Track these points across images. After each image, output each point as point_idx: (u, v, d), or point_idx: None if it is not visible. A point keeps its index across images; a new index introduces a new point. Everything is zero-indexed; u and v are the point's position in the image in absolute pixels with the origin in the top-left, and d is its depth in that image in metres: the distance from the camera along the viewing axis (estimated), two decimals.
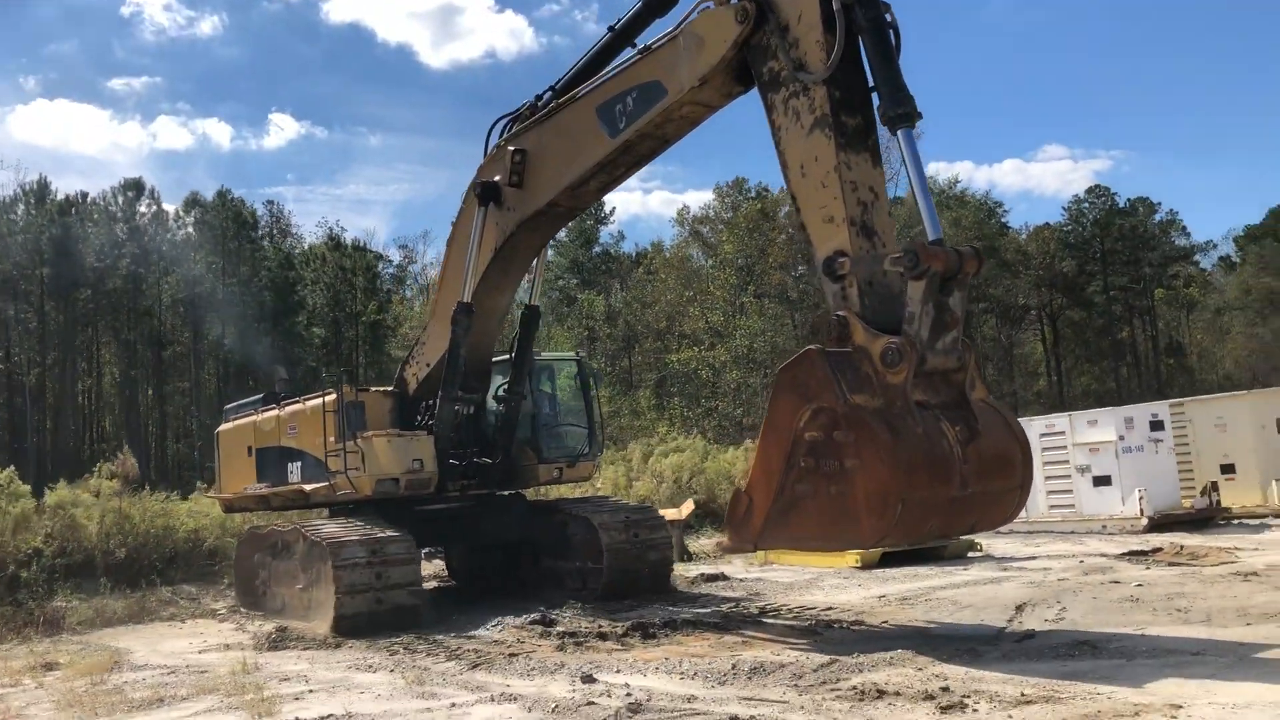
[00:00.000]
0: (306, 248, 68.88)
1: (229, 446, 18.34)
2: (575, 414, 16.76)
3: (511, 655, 10.31)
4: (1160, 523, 18.68)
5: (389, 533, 13.71)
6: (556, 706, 7.75)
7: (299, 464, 16.23)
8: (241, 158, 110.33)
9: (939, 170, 77.51)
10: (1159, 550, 15.29)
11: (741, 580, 15.74)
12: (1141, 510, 18.84)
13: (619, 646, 10.53)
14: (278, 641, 12.45)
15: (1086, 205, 79.27)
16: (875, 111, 9.80)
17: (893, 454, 8.46)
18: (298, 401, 16.86)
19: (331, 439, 15.22)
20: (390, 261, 75.30)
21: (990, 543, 17.32)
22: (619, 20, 13.25)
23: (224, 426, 18.85)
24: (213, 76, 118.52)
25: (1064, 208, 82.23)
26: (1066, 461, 20.29)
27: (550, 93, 13.94)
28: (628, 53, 12.65)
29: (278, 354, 49.99)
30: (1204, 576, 12.80)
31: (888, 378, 8.75)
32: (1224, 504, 19.64)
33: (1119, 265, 77.63)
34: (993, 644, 9.35)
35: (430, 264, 75.69)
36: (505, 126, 14.60)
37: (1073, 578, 13.51)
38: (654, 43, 11.77)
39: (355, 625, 12.76)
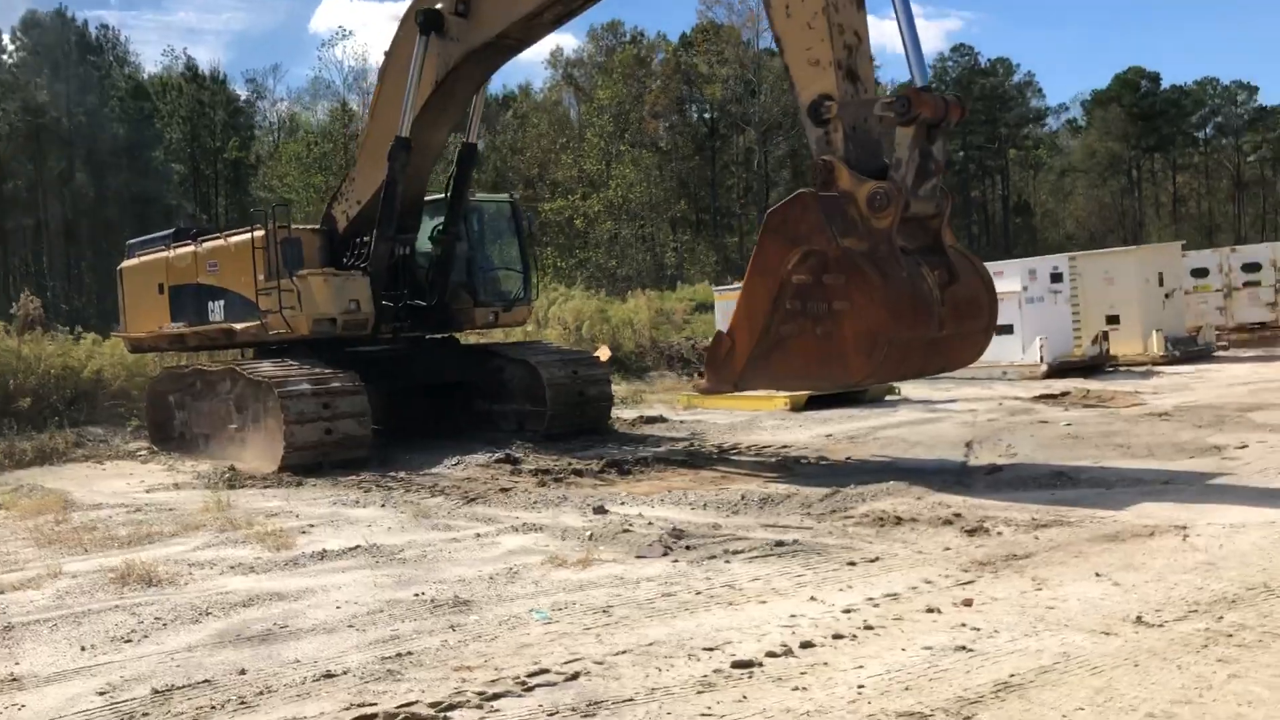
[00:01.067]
0: (156, 77, 64.58)
1: (136, 284, 17.49)
2: (509, 257, 16.55)
3: (503, 490, 10.35)
4: (1057, 369, 19.75)
5: (331, 369, 13.57)
6: (591, 534, 7.90)
7: (220, 302, 15.70)
8: None
9: None
10: (1067, 394, 16.22)
11: (681, 422, 16.09)
12: (1041, 357, 19.84)
13: (600, 482, 10.65)
14: (232, 480, 12.21)
15: (950, 64, 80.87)
16: None
17: (882, 296, 8.67)
18: (218, 237, 16.19)
19: (262, 277, 14.74)
20: (238, 96, 71.39)
21: (905, 387, 18.09)
22: None
23: (128, 263, 17.92)
24: None
25: (930, 65, 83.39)
26: None
27: None
28: None
29: (132, 190, 47.31)
30: (1124, 417, 13.63)
31: (873, 222, 8.89)
32: (1111, 352, 20.94)
33: (977, 124, 79.75)
34: (969, 476, 9.84)
35: (281, 100, 72.31)
36: None
37: (1001, 418, 14.21)
38: None
39: (304, 458, 12.62)
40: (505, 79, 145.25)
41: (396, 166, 14.06)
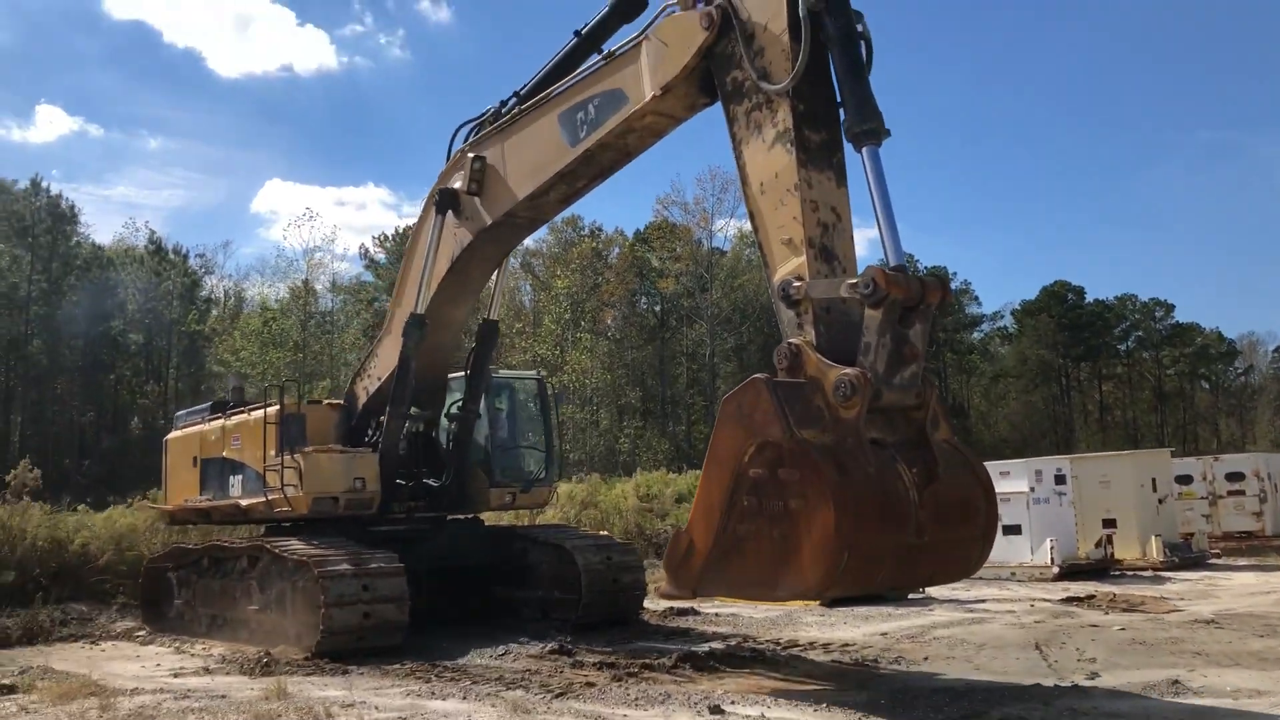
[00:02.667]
0: (118, 247, 63.94)
1: (176, 456, 17.17)
2: (532, 436, 16.11)
3: (588, 684, 9.65)
4: (1067, 571, 19.58)
5: (372, 551, 12.94)
6: None
7: (240, 477, 15.21)
8: (5, 148, 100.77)
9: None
10: (1093, 597, 15.97)
11: (715, 615, 15.42)
12: (1052, 559, 19.69)
13: (678, 678, 9.98)
14: (269, 666, 11.36)
15: None
16: (842, 128, 9.04)
17: (840, 494, 7.69)
18: (243, 411, 15.70)
19: (271, 452, 14.21)
20: (195, 270, 70.91)
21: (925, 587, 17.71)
22: (585, 24, 12.79)
23: (173, 434, 17.69)
24: None
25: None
26: None
27: (515, 98, 13.38)
28: (594, 59, 12.26)
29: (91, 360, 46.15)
30: (1171, 623, 13.38)
31: (840, 412, 8.08)
32: (1115, 555, 20.84)
33: None
34: (1077, 693, 9.19)
35: (228, 276, 72.03)
36: (469, 133, 14.05)
37: (1047, 620, 13.87)
38: (618, 48, 11.21)
39: (339, 643, 11.94)
40: None
41: (410, 343, 13.92)
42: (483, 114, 13.78)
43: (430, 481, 14.95)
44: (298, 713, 8.56)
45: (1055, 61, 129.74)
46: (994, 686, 9.35)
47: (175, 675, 11.47)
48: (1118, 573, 20.45)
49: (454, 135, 14.09)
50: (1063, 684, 9.40)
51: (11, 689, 10.47)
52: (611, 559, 14.32)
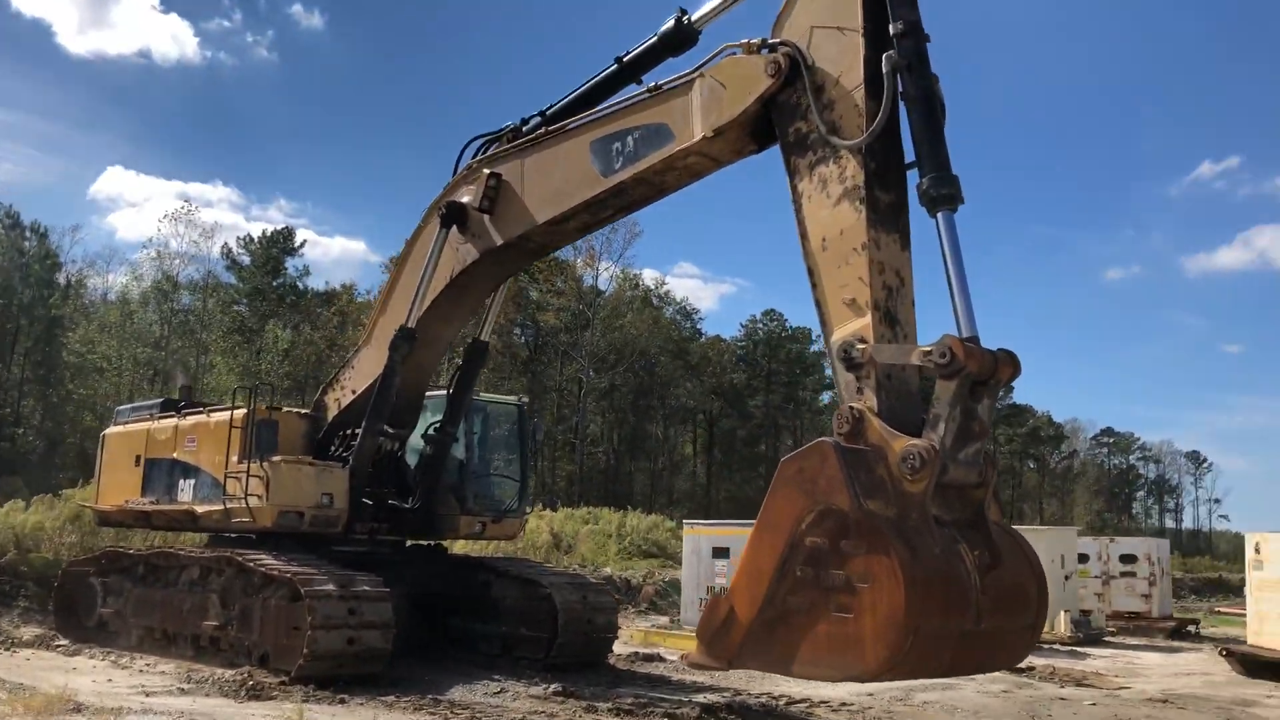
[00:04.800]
0: None
1: (115, 452, 16.06)
2: (508, 465, 15.60)
3: None
4: None
5: (352, 572, 12.24)
6: None
7: (192, 482, 14.23)
8: None
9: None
10: (1033, 669, 16.34)
11: (675, 663, 15.14)
12: None
13: None
14: (256, 690, 10.59)
15: (760, 326, 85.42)
16: (906, 190, 8.88)
17: (910, 573, 7.30)
18: (201, 412, 14.74)
19: (234, 459, 13.39)
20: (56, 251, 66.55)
21: None
22: (628, 52, 12.33)
23: (112, 430, 16.49)
24: None
25: (741, 325, 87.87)
26: None
27: (539, 118, 13.03)
28: (633, 89, 11.89)
29: None
30: (1129, 700, 13.79)
31: (904, 485, 7.71)
32: None
33: (779, 385, 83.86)
34: None
35: (75, 261, 68.00)
36: (481, 147, 13.57)
37: (1013, 690, 14.05)
38: (667, 83, 10.70)
39: (321, 669, 11.25)
40: (328, 277, 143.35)
41: (396, 357, 13.27)
42: (500, 130, 13.34)
43: (398, 504, 14.31)
44: None
45: None
46: None
47: (146, 694, 10.57)
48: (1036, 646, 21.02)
49: (464, 149, 13.58)
50: None
51: None
52: (588, 599, 13.90)
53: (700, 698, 11.79)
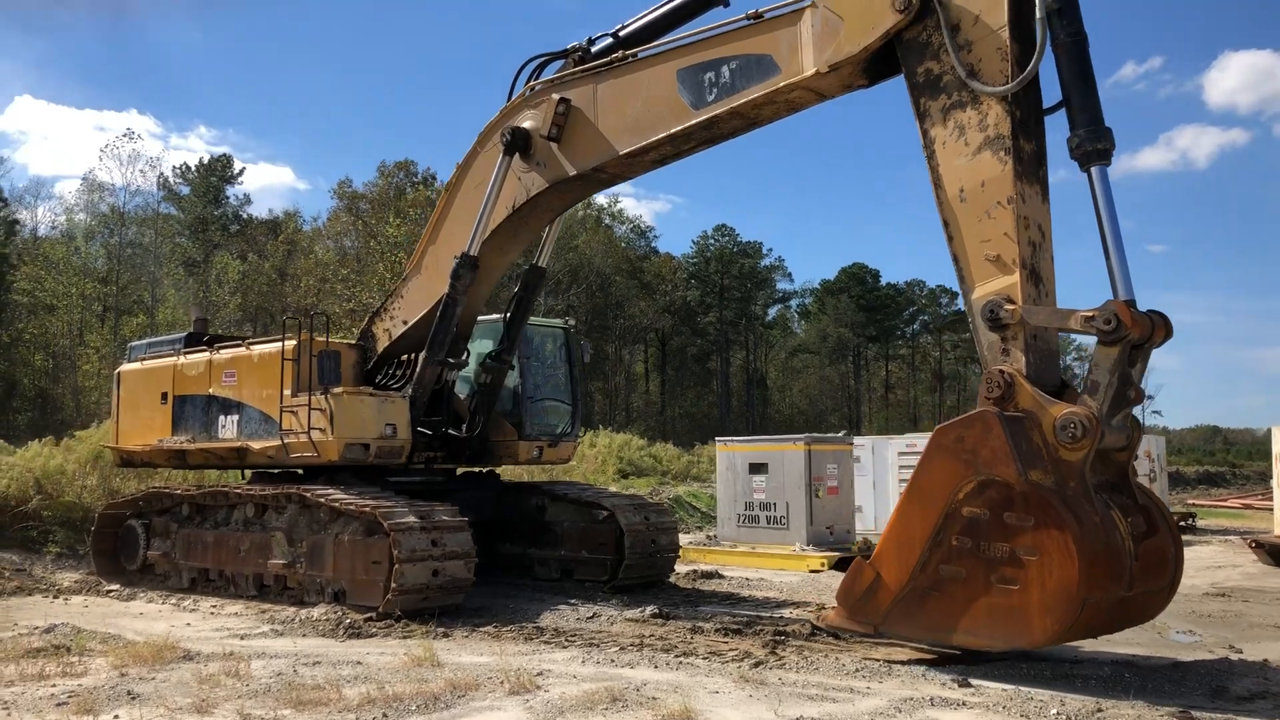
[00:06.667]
0: None
1: (135, 390, 15.35)
2: (558, 389, 15.45)
3: (745, 654, 9.14)
4: None
5: (429, 503, 12.13)
6: (1015, 708, 7.15)
7: (235, 417, 13.83)
8: None
9: None
10: None
11: (741, 579, 15.30)
12: None
13: (833, 646, 9.69)
14: (354, 628, 10.48)
15: (712, 242, 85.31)
16: (1045, 138, 8.78)
17: (1079, 548, 7.40)
18: (239, 344, 14.32)
19: (288, 392, 13.09)
20: None
21: None
22: None
23: (128, 366, 15.69)
24: None
25: (693, 241, 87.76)
26: None
27: (611, 39, 12.54)
28: (718, 13, 11.63)
29: None
30: (1185, 594, 14.19)
31: (1061, 453, 7.76)
32: None
33: (733, 300, 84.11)
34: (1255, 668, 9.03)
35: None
36: (539, 67, 13.06)
37: None
38: (769, 10, 10.15)
39: (410, 602, 11.18)
40: (274, 203, 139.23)
41: (460, 286, 12.95)
42: (565, 50, 12.89)
43: (454, 432, 14.14)
44: (505, 676, 7.86)
45: None
46: (1160, 661, 9.20)
47: (240, 637, 10.39)
48: None
49: (521, 68, 13.05)
50: (1213, 657, 9.41)
51: (66, 649, 9.24)
52: (650, 519, 13.99)
53: (786, 612, 11.95)
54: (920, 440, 22.47)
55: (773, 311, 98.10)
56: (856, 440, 20.95)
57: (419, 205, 63.82)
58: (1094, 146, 8.36)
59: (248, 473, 14.92)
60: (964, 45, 8.78)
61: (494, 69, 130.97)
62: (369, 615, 11.16)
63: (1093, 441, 7.70)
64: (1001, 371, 8.08)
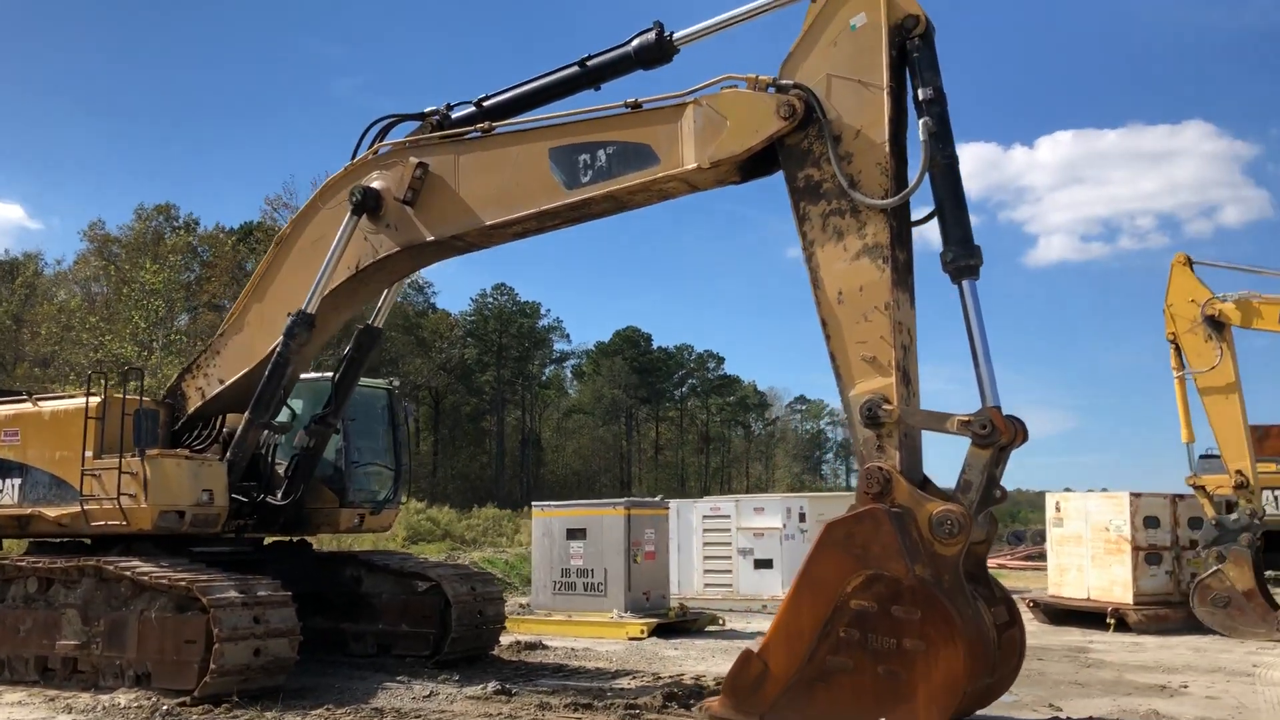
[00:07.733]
0: None
1: None
2: (382, 453, 14.81)
3: None
4: None
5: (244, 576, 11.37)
6: None
7: (17, 481, 12.64)
8: None
9: None
10: None
11: (565, 649, 14.95)
12: None
13: (679, 716, 9.64)
14: (173, 716, 9.67)
15: (490, 300, 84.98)
16: (913, 248, 9.18)
17: (962, 639, 7.73)
18: (21, 400, 13.11)
19: (90, 454, 12.07)
20: None
21: (727, 618, 18.45)
22: (592, 56, 11.52)
23: None
24: None
25: (471, 299, 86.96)
26: (729, 544, 21.71)
27: (474, 108, 12.20)
28: (588, 95, 11.43)
29: None
30: None
31: (937, 548, 8.07)
32: None
33: (510, 360, 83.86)
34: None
35: None
36: (385, 127, 12.57)
37: None
38: (650, 101, 10.20)
39: (226, 685, 10.33)
40: (9, 245, 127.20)
41: (295, 345, 12.19)
42: (422, 113, 12.45)
43: (270, 499, 13.33)
44: None
45: None
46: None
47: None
48: None
49: (370, 126, 12.53)
50: (1040, 716, 9.97)
51: None
52: (476, 590, 13.51)
53: (625, 682, 11.85)
54: (723, 504, 23.07)
55: (548, 371, 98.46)
56: None
57: (179, 251, 60.63)
58: (966, 262, 8.77)
59: (22, 542, 13.55)
60: (845, 156, 9.08)
61: (255, 114, 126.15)
62: (182, 700, 10.27)
63: (966, 537, 8.04)
64: (880, 468, 8.37)
